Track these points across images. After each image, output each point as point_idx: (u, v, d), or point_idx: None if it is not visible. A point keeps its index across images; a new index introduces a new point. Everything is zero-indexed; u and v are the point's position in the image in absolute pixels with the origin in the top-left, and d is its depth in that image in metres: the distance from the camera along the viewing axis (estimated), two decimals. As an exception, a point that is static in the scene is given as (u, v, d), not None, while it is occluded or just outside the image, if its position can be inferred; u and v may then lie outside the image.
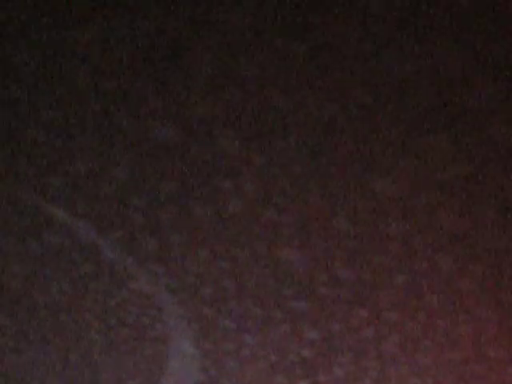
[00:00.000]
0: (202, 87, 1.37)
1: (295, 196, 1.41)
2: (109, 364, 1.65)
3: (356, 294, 1.44)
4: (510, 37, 1.11)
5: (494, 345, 1.54)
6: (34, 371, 1.73)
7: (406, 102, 1.29)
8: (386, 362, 1.61)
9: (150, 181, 1.48)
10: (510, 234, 1.39)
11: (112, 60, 1.36)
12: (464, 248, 1.40)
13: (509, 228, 1.39)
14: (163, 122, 1.41)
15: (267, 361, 1.60)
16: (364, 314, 1.46)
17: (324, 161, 1.41)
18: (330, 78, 1.30)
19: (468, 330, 1.52)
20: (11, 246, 1.61)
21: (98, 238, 1.55)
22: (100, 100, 1.42)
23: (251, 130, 1.40)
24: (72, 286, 1.61)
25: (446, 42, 1.13)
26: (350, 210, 1.41)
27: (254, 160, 1.41)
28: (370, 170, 1.37)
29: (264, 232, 1.45)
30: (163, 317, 1.59)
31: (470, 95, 1.21)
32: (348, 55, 1.23)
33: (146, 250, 1.54)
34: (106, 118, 1.43)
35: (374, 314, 1.48)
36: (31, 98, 1.43)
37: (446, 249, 1.41)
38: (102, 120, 1.44)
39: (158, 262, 1.53)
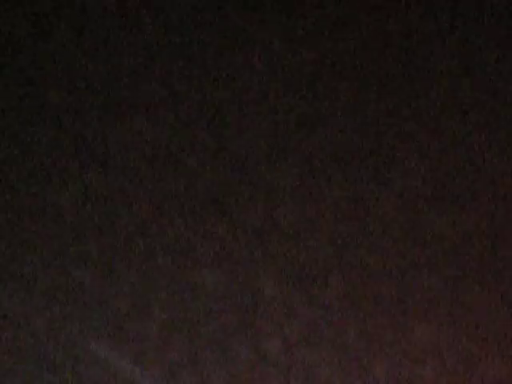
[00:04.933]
0: (245, 234, 1.44)
1: (333, 339, 1.45)
2: None
3: None
4: None
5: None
6: None
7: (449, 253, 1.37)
8: None
9: (191, 321, 1.52)
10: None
11: (157, 210, 1.44)
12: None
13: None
14: (205, 265, 1.47)
15: None
16: None
17: (363, 307, 1.46)
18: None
19: None
20: (46, 377, 1.62)
21: (137, 374, 1.57)
22: (145, 243, 1.48)
23: (292, 276, 1.46)
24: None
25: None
26: (388, 355, 1.45)
27: (294, 303, 1.46)
28: (409, 316, 1.42)
29: (301, 373, 1.48)
30: None
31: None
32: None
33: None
34: (150, 260, 1.49)
35: None
36: (72, 236, 1.50)
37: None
38: (146, 261, 1.50)
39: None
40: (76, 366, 1.59)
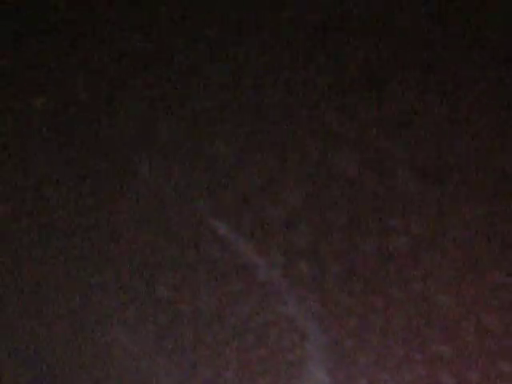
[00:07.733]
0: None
1: (461, 241, 1.49)
2: (242, 382, 1.70)
3: (501, 346, 1.49)
4: None
5: None
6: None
7: None
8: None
9: (320, 209, 1.56)
10: None
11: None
12: None
13: None
14: (343, 147, 1.50)
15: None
16: (506, 369, 1.51)
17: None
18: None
19: None
20: (168, 252, 1.69)
21: (257, 257, 1.63)
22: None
23: (428, 167, 1.49)
24: (219, 300, 1.68)
25: None
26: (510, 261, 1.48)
27: (427, 197, 1.49)
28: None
29: (423, 273, 1.52)
30: (303, 342, 1.65)
31: None
32: None
33: (301, 276, 1.61)
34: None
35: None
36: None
37: None
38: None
39: (310, 288, 1.60)
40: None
